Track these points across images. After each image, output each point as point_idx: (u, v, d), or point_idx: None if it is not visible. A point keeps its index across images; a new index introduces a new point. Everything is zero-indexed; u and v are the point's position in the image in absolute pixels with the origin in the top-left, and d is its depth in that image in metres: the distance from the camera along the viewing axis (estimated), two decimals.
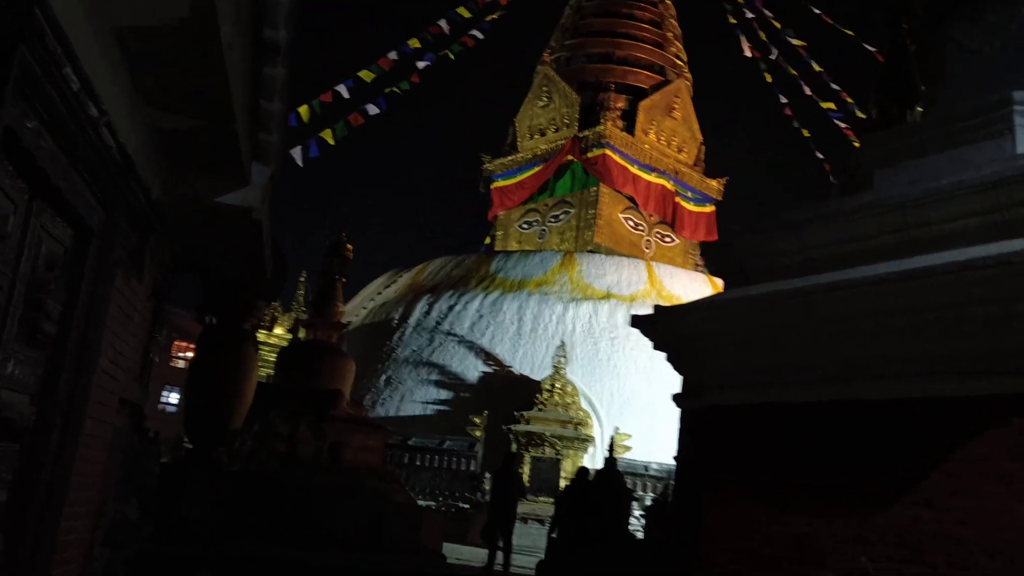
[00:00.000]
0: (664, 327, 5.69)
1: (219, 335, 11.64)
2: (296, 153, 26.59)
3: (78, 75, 3.73)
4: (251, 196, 6.17)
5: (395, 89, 29.94)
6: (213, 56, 4.44)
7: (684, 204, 37.05)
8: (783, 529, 5.01)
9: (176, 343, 50.20)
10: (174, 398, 49.57)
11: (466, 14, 32.11)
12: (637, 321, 5.92)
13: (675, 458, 6.05)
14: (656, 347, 6.05)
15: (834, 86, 34.51)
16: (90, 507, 5.52)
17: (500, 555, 14.89)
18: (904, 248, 5.38)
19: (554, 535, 13.21)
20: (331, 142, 27.20)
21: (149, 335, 6.88)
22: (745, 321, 5.42)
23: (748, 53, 37.49)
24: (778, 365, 5.41)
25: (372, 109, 28.74)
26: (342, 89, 27.53)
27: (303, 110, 26.41)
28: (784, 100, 36.90)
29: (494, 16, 34.62)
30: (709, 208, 38.28)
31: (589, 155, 35.13)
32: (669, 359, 6.06)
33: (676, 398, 5.95)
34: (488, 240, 38.95)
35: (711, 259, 6.63)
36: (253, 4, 4.98)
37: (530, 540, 20.77)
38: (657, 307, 5.78)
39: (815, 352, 5.43)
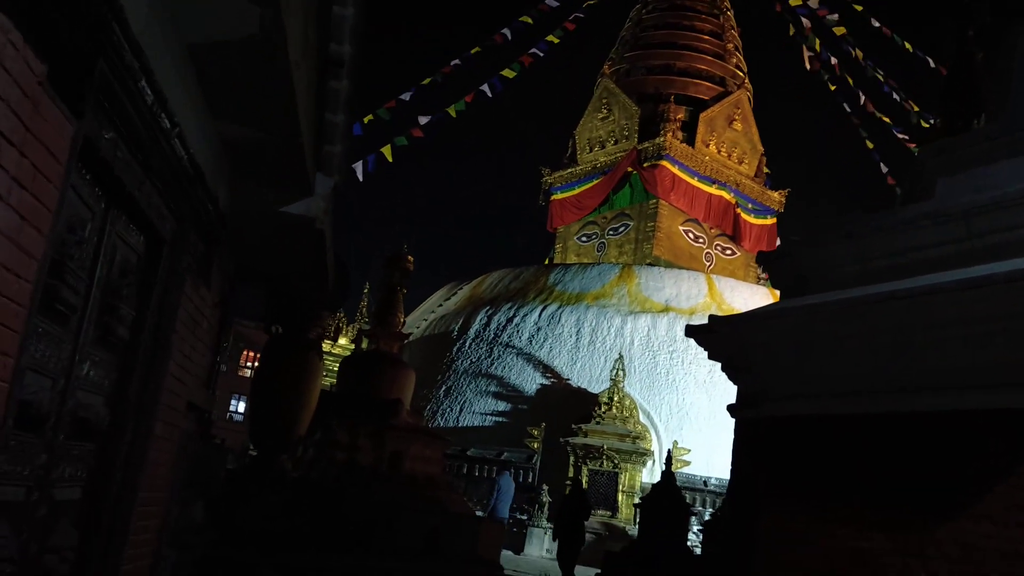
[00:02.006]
0: (720, 336, 5.67)
1: (284, 345, 11.91)
2: (358, 167, 27.09)
3: (152, 88, 3.91)
4: (314, 206, 6.35)
5: (451, 112, 30.31)
6: (280, 73, 4.60)
7: (745, 216, 36.67)
8: (840, 544, 4.95)
9: (245, 352, 51.27)
10: (242, 407, 50.57)
11: (529, 21, 32.39)
12: (692, 331, 5.92)
13: (730, 470, 6.02)
14: (711, 357, 6.04)
15: (897, 96, 33.86)
16: (158, 508, 5.71)
17: None
18: (966, 258, 5.29)
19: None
20: (389, 159, 27.66)
21: (216, 342, 7.09)
22: (802, 331, 5.38)
23: (809, 66, 37.01)
24: (836, 376, 5.35)
25: (435, 119, 29.17)
26: (405, 97, 27.97)
27: (368, 119, 26.92)
28: (848, 110, 36.32)
29: (554, 39, 34.82)
30: (770, 220, 37.82)
31: (648, 167, 34.99)
32: (724, 369, 6.05)
33: (731, 408, 5.93)
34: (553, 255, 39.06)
35: (769, 269, 6.60)
36: (319, 20, 5.15)
37: (591, 555, 20.71)
38: (712, 316, 5.77)
39: (873, 363, 5.36)
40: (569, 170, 38.48)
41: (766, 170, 38.91)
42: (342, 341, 26.40)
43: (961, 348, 5.16)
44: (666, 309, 28.38)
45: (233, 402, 51.50)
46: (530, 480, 23.92)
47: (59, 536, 4.31)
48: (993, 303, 4.78)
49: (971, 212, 5.48)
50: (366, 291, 28.77)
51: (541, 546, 22.57)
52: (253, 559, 8.18)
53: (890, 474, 5.13)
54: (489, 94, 31.94)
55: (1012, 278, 4.79)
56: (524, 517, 22.39)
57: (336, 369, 18.86)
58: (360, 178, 27.37)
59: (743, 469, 5.87)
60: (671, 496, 13.49)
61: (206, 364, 6.88)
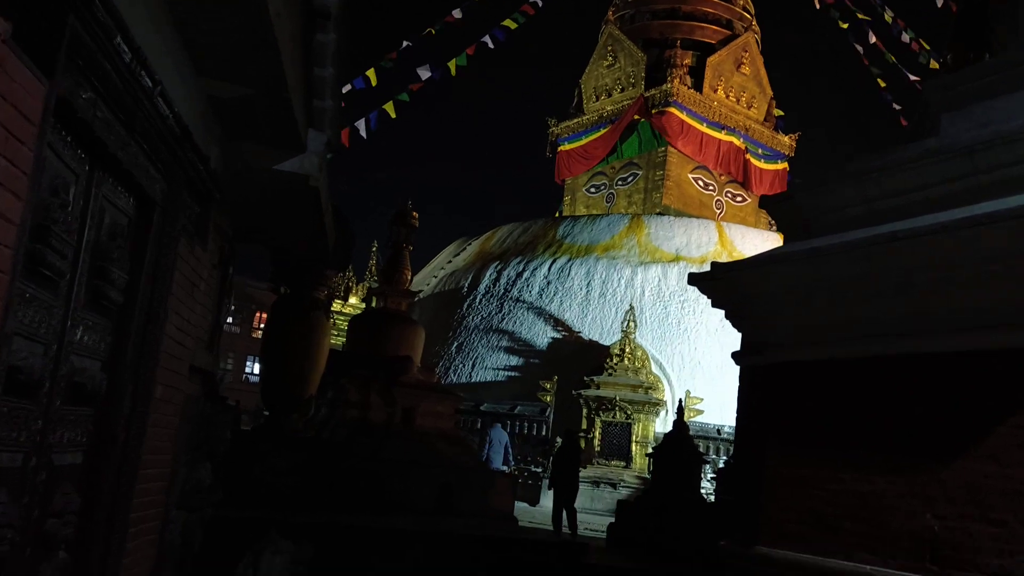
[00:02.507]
0: (722, 284, 5.60)
1: (291, 305, 11.92)
2: (360, 124, 26.87)
3: (129, 45, 3.81)
4: (308, 163, 6.27)
5: (450, 66, 29.92)
6: (262, 25, 4.50)
7: (755, 162, 36.24)
8: (846, 488, 4.93)
9: (257, 314, 51.48)
10: (256, 368, 50.96)
11: None
12: (695, 279, 5.84)
13: (736, 418, 6.01)
14: (715, 304, 5.98)
15: (907, 36, 33.19)
16: (163, 470, 5.73)
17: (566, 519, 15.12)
18: (973, 195, 5.17)
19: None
20: (392, 115, 27.39)
21: (218, 304, 7.06)
22: (805, 275, 5.30)
23: (817, 4, 36.27)
24: (840, 320, 5.28)
25: (435, 74, 28.83)
26: (406, 45, 27.62)
27: (371, 73, 26.61)
28: (860, 50, 35.63)
29: None
30: (781, 165, 37.39)
31: (656, 114, 34.52)
32: (728, 317, 5.98)
33: (736, 356, 5.88)
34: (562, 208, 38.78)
35: (772, 213, 6.49)
36: None
37: (602, 504, 20.89)
38: (714, 263, 5.69)
39: (878, 306, 5.27)
40: (576, 120, 38.01)
41: (778, 112, 38.35)
42: (352, 300, 26.43)
43: (966, 288, 5.07)
44: (676, 258, 28.23)
45: (248, 364, 51.89)
46: (544, 433, 24.06)
47: (61, 500, 4.32)
48: (999, 241, 4.67)
49: (976, 148, 5.34)
50: (375, 249, 28.70)
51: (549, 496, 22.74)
52: (263, 519, 8.25)
53: (895, 418, 5.08)
54: (491, 45, 31.50)
55: (1018, 214, 4.68)
56: (539, 469, 22.55)
57: (347, 328, 18.92)
58: (364, 135, 27.14)
59: (748, 417, 5.84)
60: (684, 445, 13.55)
61: (207, 326, 6.86)
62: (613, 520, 13.29)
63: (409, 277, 14.57)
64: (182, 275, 5.72)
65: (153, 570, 5.56)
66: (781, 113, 38.32)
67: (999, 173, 5.16)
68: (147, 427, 5.13)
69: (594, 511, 21.13)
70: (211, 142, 5.79)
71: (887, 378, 4.96)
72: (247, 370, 52.24)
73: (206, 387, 7.17)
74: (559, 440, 23.59)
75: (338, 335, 23.55)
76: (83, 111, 3.73)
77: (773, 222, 34.83)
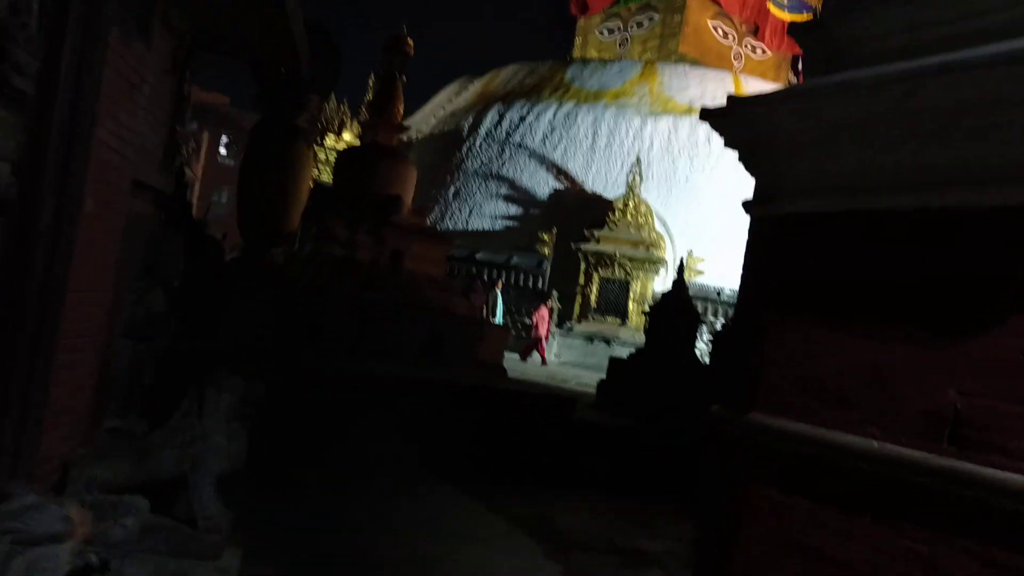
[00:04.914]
0: (738, 119, 4.80)
1: (270, 131, 11.10)
2: None
3: None
4: None
5: None
6: None
7: (778, 12, 34.19)
8: (858, 359, 4.28)
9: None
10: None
11: None
12: (707, 113, 5.04)
13: (740, 276, 5.32)
14: (727, 144, 5.20)
15: None
16: (103, 295, 5.14)
17: None
18: None
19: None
20: None
21: (171, 117, 6.29)
22: (831, 112, 4.48)
23: None
24: (867, 167, 4.50)
25: None
26: None
27: None
28: None
29: None
30: (806, 16, 35.42)
31: None
32: (742, 159, 5.22)
33: (747, 205, 5.13)
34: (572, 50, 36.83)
35: (800, 42, 5.59)
36: None
37: (595, 359, 20.69)
38: (731, 97, 4.88)
39: (913, 151, 4.46)
40: None
41: None
42: (347, 136, 25.40)
43: (1021, 135, 4.27)
44: (689, 110, 26.94)
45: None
46: (540, 286, 23.64)
47: None
48: None
49: None
50: (371, 83, 27.39)
51: (549, 351, 22.59)
52: (216, 353, 7.77)
53: (921, 281, 4.36)
54: None
55: None
56: (531, 322, 22.28)
57: (334, 164, 18.11)
58: None
59: (754, 273, 5.15)
60: (681, 304, 13.03)
61: (159, 141, 6.11)
62: (602, 379, 12.94)
63: (401, 110, 13.65)
64: (117, 74, 4.95)
65: (94, 404, 5.07)
66: None
67: None
68: (77, 244, 4.49)
69: (586, 366, 20.98)
70: None
71: (915, 235, 4.23)
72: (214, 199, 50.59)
73: (161, 209, 6.51)
74: (555, 293, 23.26)
75: (332, 173, 22.74)
76: None
77: (793, 79, 33.31)
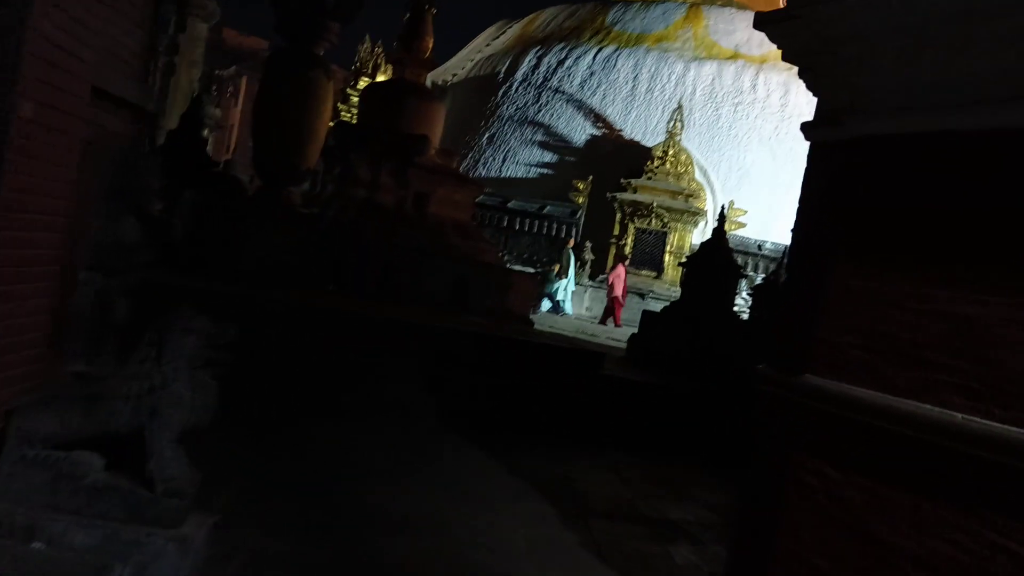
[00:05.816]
0: (802, 24, 4.05)
1: (287, 61, 10.45)
2: None
3: None
4: None
5: None
6: None
7: None
8: (940, 309, 3.56)
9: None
10: None
11: None
12: (763, 19, 4.30)
13: (796, 211, 4.59)
14: (786, 56, 4.45)
15: None
16: (59, 221, 4.55)
17: None
18: None
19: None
20: None
21: (152, 21, 5.62)
22: (919, 12, 3.70)
23: None
24: (962, 78, 3.73)
25: None
26: None
27: None
28: None
29: None
30: None
31: None
32: (802, 74, 4.47)
33: (805, 127, 4.40)
34: None
35: None
36: None
37: (628, 314, 20.01)
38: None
39: (1018, 58, 3.66)
40: None
41: None
42: (380, 78, 24.65)
43: None
44: (735, 56, 25.73)
45: None
46: (573, 236, 22.90)
47: None
48: None
49: None
50: (406, 18, 26.51)
51: (580, 304, 21.95)
52: (188, 288, 7.22)
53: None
54: None
55: None
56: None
57: (358, 99, 17.40)
58: None
59: (813, 210, 4.42)
60: (721, 255, 12.29)
61: (134, 48, 5.44)
62: (635, 332, 12.28)
63: (430, 44, 12.89)
64: None
65: (49, 342, 4.53)
66: None
67: None
68: (11, 154, 3.88)
69: (626, 322, 20.32)
70: None
71: (1018, 162, 3.46)
72: None
73: (136, 126, 5.85)
74: (588, 244, 22.52)
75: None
76: None
77: None
